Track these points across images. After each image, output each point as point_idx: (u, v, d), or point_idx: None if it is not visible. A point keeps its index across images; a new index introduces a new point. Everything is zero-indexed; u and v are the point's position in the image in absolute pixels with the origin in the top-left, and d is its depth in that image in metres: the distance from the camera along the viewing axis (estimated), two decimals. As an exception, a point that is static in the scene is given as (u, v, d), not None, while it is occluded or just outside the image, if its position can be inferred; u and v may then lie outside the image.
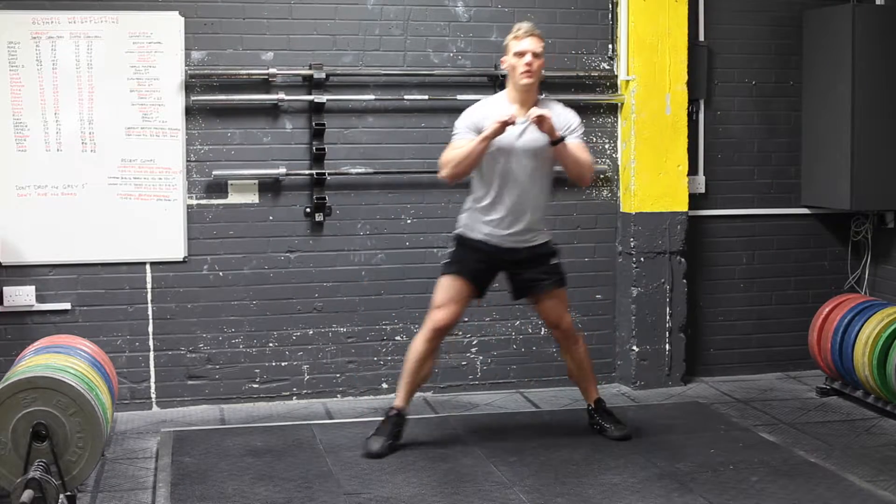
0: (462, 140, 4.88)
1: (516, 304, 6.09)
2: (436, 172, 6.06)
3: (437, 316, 5.02)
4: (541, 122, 4.73)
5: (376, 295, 6.07)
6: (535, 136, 4.87)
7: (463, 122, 4.94)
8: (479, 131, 4.82)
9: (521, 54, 4.85)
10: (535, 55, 4.85)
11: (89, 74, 5.66)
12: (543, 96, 5.21)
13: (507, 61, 4.92)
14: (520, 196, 4.93)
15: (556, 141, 4.82)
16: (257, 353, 5.97)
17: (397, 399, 5.11)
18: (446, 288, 5.03)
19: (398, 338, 6.11)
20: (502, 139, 4.81)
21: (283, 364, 6.00)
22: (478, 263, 5.02)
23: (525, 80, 4.85)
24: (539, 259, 5.07)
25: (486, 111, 4.90)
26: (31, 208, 5.65)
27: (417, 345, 5.06)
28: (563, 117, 4.96)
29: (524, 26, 4.92)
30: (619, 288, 6.34)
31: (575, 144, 4.92)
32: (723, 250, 6.55)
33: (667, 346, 6.29)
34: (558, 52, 6.19)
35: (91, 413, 4.28)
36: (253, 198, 5.91)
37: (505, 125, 4.73)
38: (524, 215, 4.96)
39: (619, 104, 6.27)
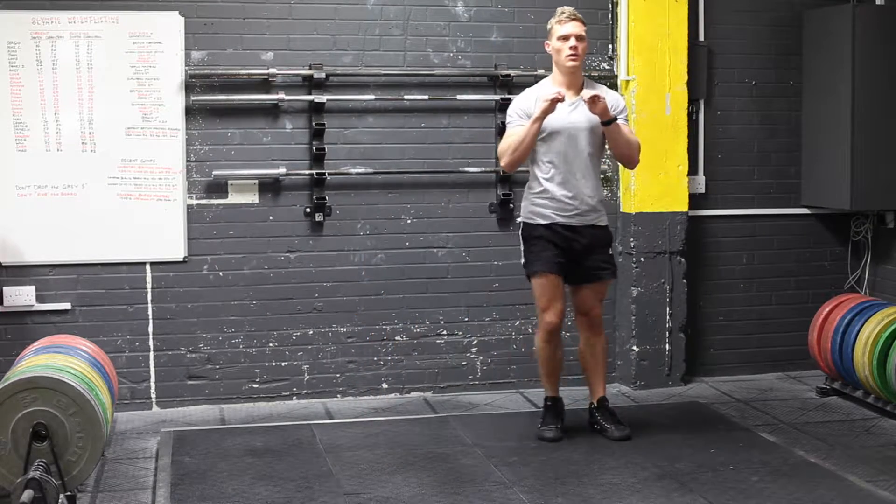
0: (515, 127, 5.03)
1: (516, 304, 6.12)
2: (436, 172, 6.11)
3: (546, 318, 5.13)
4: (595, 102, 4.85)
5: (376, 295, 6.07)
6: (585, 116, 5.00)
7: (514, 110, 5.09)
8: (530, 117, 4.97)
9: (565, 38, 4.99)
10: (579, 38, 4.99)
11: (89, 74, 5.66)
12: (592, 81, 5.30)
13: (552, 45, 5.05)
14: (575, 174, 5.06)
15: (609, 121, 4.94)
16: (257, 353, 5.97)
17: (547, 391, 5.33)
18: (543, 288, 5.12)
19: (398, 338, 6.11)
20: (554, 121, 4.95)
21: (283, 364, 6.00)
22: (555, 255, 5.10)
23: (571, 63, 4.99)
24: (600, 246, 5.19)
25: (534, 96, 5.04)
26: (31, 208, 5.65)
27: (540, 346, 5.25)
28: (610, 98, 5.07)
29: (567, 10, 5.07)
30: (619, 288, 6.34)
31: (624, 125, 5.08)
32: (723, 250, 6.55)
33: (667, 346, 6.29)
34: (558, 52, 6.19)
35: (91, 413, 4.28)
36: (253, 198, 5.91)
37: (555, 102, 4.85)
38: (582, 194, 5.08)
39: (620, 104, 6.27)
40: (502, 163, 5.10)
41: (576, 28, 5.00)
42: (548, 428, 5.22)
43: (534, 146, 5.02)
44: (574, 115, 5.02)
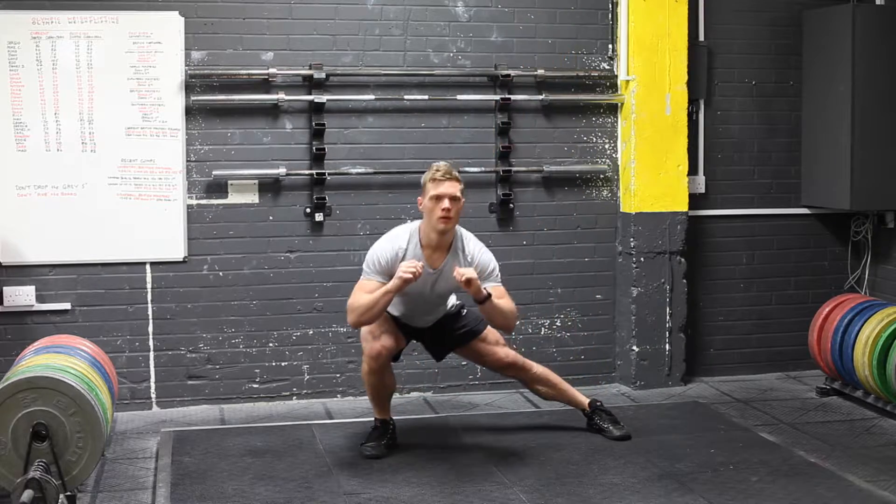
0: (369, 283, 4.72)
1: (516, 305, 6.09)
2: (436, 172, 6.08)
3: (369, 345, 4.89)
4: (468, 284, 4.59)
5: (376, 295, 6.07)
6: (447, 284, 4.83)
7: (373, 259, 4.76)
8: (389, 274, 4.67)
9: (438, 199, 4.67)
10: (453, 200, 4.67)
11: (89, 74, 5.66)
12: (462, 236, 4.93)
13: (424, 203, 4.74)
14: (424, 317, 5.00)
15: (483, 299, 4.67)
16: (257, 353, 5.97)
17: (375, 413, 5.08)
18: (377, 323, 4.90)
19: (398, 338, 6.11)
20: (414, 286, 4.67)
21: (283, 364, 6.00)
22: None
23: (441, 227, 4.69)
24: (445, 324, 5.07)
25: (396, 252, 4.74)
26: (31, 208, 5.64)
27: (364, 377, 4.99)
28: (480, 261, 4.82)
29: (442, 168, 4.75)
30: (619, 288, 6.34)
31: (498, 295, 4.77)
32: (723, 250, 6.55)
33: (667, 346, 6.29)
34: (558, 52, 6.19)
35: (91, 413, 4.28)
36: (253, 198, 5.91)
37: (409, 282, 4.59)
38: (426, 322, 5.03)
39: (619, 104, 6.27)
40: (349, 320, 4.75)
41: (450, 188, 4.66)
42: (369, 445, 4.97)
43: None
44: (431, 281, 4.78)
